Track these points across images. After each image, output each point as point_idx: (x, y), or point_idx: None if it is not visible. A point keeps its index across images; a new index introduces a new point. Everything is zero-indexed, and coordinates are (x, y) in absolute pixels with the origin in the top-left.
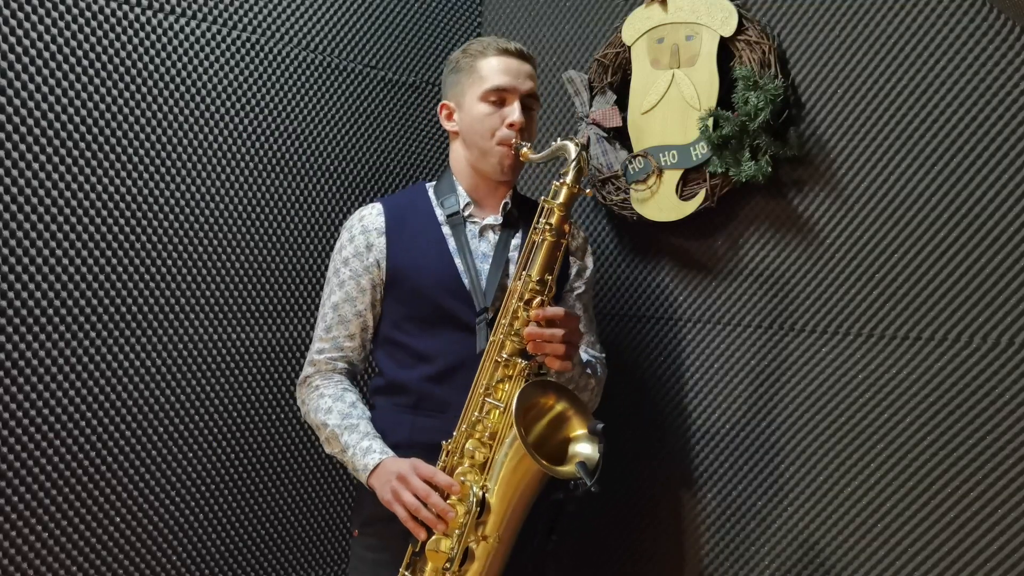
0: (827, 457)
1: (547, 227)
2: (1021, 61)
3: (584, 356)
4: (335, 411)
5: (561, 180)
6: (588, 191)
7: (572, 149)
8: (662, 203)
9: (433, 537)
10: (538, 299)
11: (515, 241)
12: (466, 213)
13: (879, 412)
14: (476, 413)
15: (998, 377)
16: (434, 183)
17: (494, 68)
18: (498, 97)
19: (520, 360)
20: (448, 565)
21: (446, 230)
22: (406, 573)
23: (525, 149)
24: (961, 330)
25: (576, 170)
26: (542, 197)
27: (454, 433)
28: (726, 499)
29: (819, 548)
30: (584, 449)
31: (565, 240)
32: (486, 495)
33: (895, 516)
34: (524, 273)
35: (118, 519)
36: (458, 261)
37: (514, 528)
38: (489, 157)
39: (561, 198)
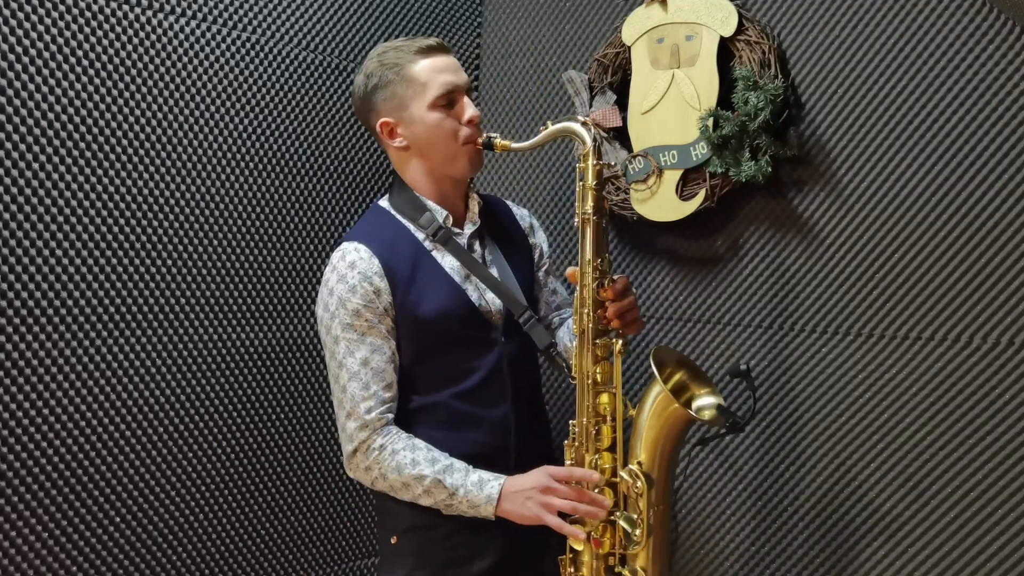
0: (827, 457)
1: (588, 211)
2: (1021, 61)
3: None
4: (421, 461)
5: (584, 162)
6: (613, 163)
7: (582, 132)
8: (662, 203)
9: (625, 526)
10: (604, 280)
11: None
12: (448, 225)
13: (879, 412)
14: (589, 400)
15: (998, 377)
16: (389, 202)
17: (431, 70)
18: (448, 100)
19: (610, 339)
20: (633, 548)
21: (436, 255)
22: (571, 569)
23: (499, 140)
24: (961, 330)
25: (595, 147)
26: (577, 182)
27: (573, 425)
28: (726, 499)
29: (819, 548)
30: (707, 402)
31: (607, 217)
32: (646, 471)
33: (895, 516)
34: (584, 261)
35: (118, 519)
36: (459, 281)
37: (667, 489)
38: (458, 159)
39: (590, 179)
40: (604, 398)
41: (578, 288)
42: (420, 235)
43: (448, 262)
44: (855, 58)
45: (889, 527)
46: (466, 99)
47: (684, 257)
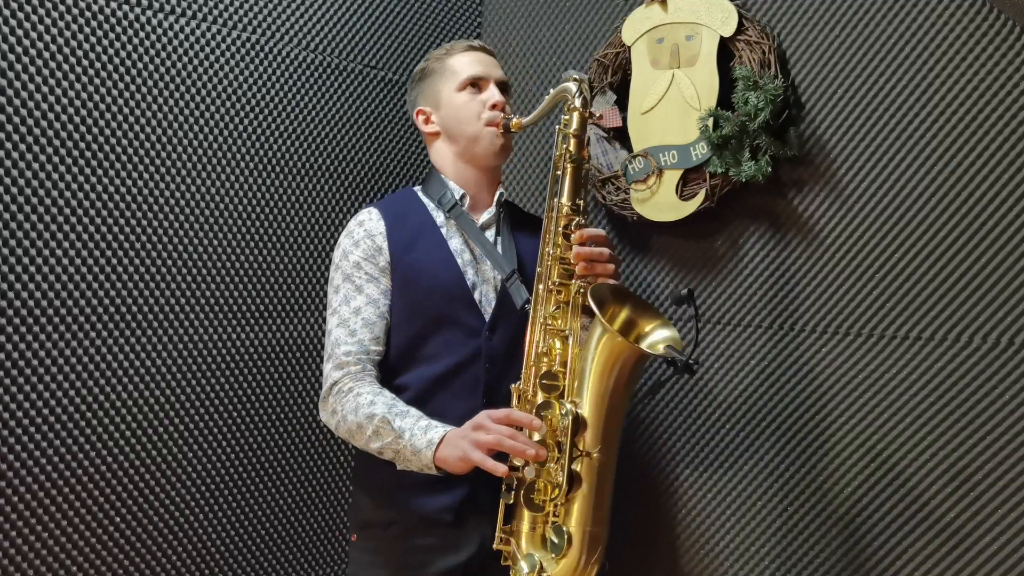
0: (827, 457)
1: (568, 154)
2: (1021, 61)
3: None
4: (379, 403)
5: (572, 108)
6: (598, 113)
7: (572, 84)
8: (662, 203)
9: (530, 477)
10: (576, 220)
11: (517, 235)
12: (464, 206)
13: (879, 412)
14: (540, 346)
15: (998, 377)
16: (420, 187)
17: (466, 61)
18: (475, 84)
19: (572, 283)
20: (555, 493)
21: (444, 231)
22: (505, 527)
23: (515, 119)
24: (961, 330)
25: (582, 98)
26: (557, 127)
27: (521, 374)
28: (725, 499)
29: (819, 548)
30: (662, 335)
31: (586, 164)
32: (578, 410)
33: (895, 516)
34: (556, 201)
35: (118, 519)
36: (460, 262)
37: (615, 435)
38: (480, 140)
39: (575, 125)
40: (557, 344)
41: (544, 225)
42: (436, 212)
43: (455, 244)
44: (855, 58)
45: (888, 527)
46: (493, 86)
47: (684, 257)
